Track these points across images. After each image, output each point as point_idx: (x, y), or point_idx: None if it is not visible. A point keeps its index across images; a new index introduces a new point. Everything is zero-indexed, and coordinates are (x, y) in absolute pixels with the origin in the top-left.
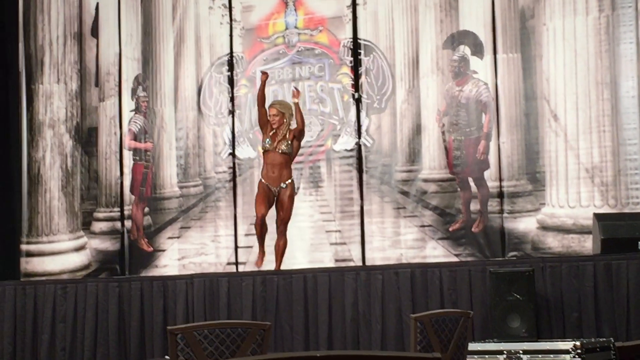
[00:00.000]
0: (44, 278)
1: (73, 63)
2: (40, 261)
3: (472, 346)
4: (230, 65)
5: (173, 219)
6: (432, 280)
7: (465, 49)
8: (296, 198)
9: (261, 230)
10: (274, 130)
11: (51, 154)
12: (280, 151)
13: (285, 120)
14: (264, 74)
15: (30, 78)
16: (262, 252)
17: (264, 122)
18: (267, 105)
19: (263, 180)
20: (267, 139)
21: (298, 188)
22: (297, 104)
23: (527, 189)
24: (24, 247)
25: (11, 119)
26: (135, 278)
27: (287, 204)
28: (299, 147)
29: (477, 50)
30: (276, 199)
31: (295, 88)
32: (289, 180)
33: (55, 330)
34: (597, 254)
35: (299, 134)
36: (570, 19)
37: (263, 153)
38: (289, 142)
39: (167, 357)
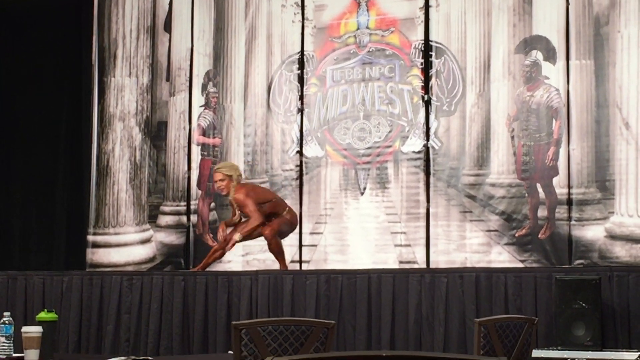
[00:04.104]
0: (109, 269)
1: (145, 57)
2: (106, 252)
3: (535, 353)
4: (301, 64)
5: None
6: (497, 285)
7: (537, 54)
8: (362, 198)
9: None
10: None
11: (120, 146)
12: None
13: (232, 183)
14: None
15: (103, 71)
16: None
17: None
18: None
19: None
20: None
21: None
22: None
23: (596, 197)
24: (90, 237)
25: (83, 111)
26: (200, 272)
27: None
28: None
29: (550, 55)
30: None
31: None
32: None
33: (120, 321)
34: None
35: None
36: None
37: None
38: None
39: (230, 351)
